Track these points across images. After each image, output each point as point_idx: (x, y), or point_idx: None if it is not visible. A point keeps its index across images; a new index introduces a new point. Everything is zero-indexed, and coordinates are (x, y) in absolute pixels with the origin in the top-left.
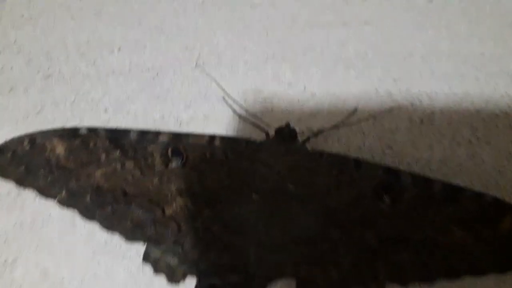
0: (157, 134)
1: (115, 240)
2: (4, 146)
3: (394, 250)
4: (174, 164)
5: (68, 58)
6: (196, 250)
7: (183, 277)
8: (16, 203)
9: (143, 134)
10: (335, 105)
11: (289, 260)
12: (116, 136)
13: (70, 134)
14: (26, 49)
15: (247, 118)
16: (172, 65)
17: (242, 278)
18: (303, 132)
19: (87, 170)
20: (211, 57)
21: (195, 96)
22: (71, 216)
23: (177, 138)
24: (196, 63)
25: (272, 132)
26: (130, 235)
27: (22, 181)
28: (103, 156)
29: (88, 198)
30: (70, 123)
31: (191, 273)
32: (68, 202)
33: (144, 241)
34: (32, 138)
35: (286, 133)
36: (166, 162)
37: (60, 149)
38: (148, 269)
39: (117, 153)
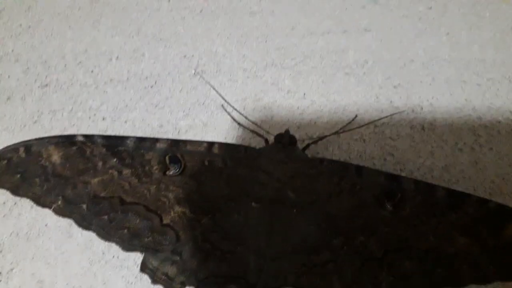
0: (154, 141)
1: (113, 249)
2: None
3: (397, 258)
4: (172, 171)
5: (66, 67)
6: (194, 259)
7: (182, 287)
8: (12, 213)
9: (140, 141)
10: (335, 113)
11: (290, 269)
12: (113, 144)
13: (66, 142)
14: (24, 58)
15: (247, 125)
16: (171, 73)
17: None
18: (303, 140)
19: (84, 178)
20: (210, 65)
21: (194, 104)
22: (67, 226)
23: (175, 145)
24: (195, 71)
25: (271, 140)
26: (128, 244)
27: (17, 190)
28: (99, 164)
29: (84, 206)
30: (67, 132)
31: (190, 283)
32: (64, 210)
33: (142, 250)
34: (27, 146)
35: (285, 140)
36: (164, 169)
37: (56, 157)
38: (146, 279)
39: (114, 160)
